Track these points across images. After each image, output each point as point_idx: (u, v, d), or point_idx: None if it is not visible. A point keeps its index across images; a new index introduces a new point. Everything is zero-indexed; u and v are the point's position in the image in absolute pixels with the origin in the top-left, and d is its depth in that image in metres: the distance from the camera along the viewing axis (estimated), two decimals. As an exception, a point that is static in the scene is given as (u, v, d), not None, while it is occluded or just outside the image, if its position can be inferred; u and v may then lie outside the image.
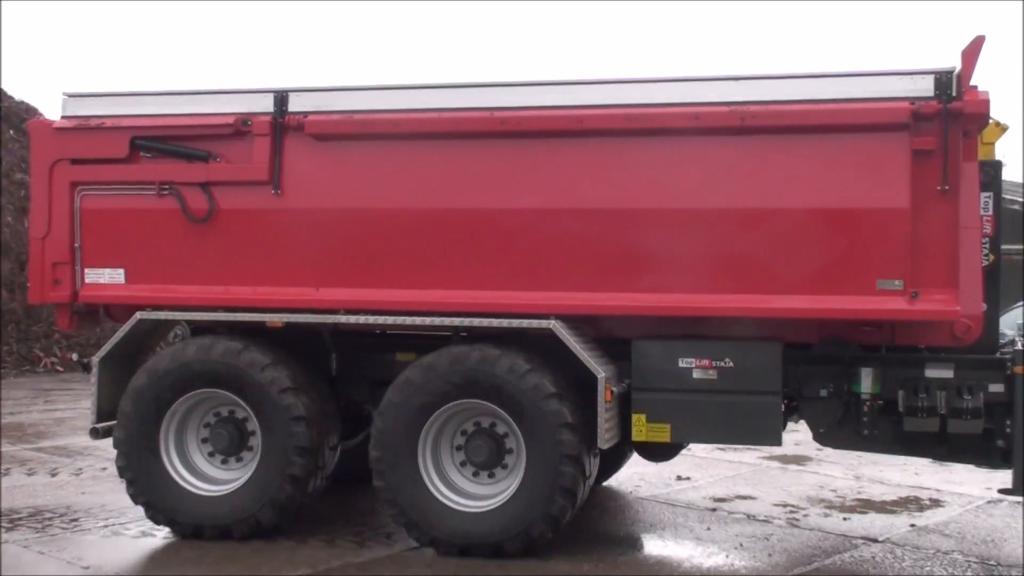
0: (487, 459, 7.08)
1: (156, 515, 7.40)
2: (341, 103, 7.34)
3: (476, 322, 7.01)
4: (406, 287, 7.21)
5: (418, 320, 7.12)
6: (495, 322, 6.98)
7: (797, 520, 8.30)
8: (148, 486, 7.38)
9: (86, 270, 7.73)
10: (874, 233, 6.56)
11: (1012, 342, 7.38)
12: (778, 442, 6.97)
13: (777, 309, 6.72)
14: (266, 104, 7.43)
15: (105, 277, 7.72)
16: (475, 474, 7.19)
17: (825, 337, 7.07)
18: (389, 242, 7.24)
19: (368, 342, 7.86)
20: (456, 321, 7.06)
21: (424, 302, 7.15)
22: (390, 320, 7.18)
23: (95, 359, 7.57)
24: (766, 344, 6.88)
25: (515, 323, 6.94)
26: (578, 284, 6.93)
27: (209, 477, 7.50)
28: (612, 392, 6.78)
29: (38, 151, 7.82)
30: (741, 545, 7.49)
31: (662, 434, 6.99)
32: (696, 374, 6.90)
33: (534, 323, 6.90)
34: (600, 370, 6.75)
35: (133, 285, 7.67)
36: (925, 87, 6.47)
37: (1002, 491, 7.13)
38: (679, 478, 9.72)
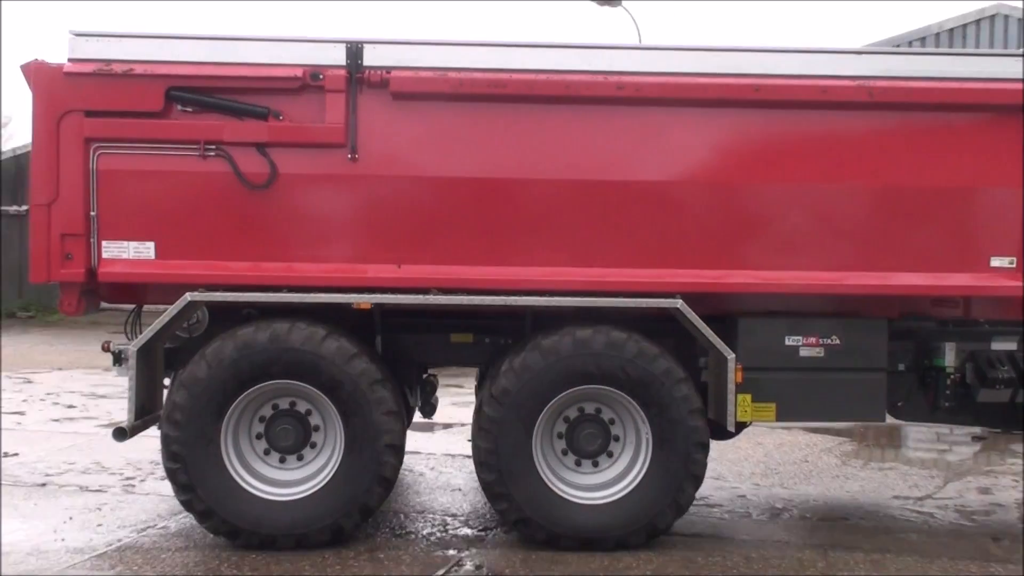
0: (597, 448, 6.67)
1: (216, 524, 6.44)
2: (427, 59, 6.53)
3: (599, 302, 6.52)
4: (501, 264, 6.59)
5: (531, 300, 6.51)
6: (617, 301, 6.52)
7: (133, 487, 8.16)
8: (208, 492, 6.39)
9: (104, 243, 6.52)
10: (989, 212, 6.68)
11: None
12: (882, 418, 6.99)
13: (897, 286, 6.72)
14: (336, 56, 6.49)
15: (130, 252, 6.53)
16: (578, 464, 6.75)
17: (905, 313, 7.15)
18: (483, 215, 6.59)
19: (417, 323, 7.14)
20: (575, 301, 6.53)
21: (525, 280, 6.56)
22: (499, 300, 6.52)
23: (133, 348, 6.41)
24: (873, 321, 6.86)
25: (641, 302, 6.52)
26: (701, 261, 6.61)
27: (267, 479, 6.59)
28: (743, 374, 6.54)
29: (42, 100, 6.45)
30: (71, 518, 7.18)
31: (768, 414, 6.81)
32: (803, 352, 6.78)
33: (659, 302, 6.51)
34: (729, 351, 6.49)
35: (166, 261, 6.54)
36: (1033, 69, 6.63)
37: None
38: (6, 455, 9.22)
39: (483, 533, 6.97)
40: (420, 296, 6.54)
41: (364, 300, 6.49)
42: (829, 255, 6.68)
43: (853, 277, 6.68)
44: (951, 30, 17.33)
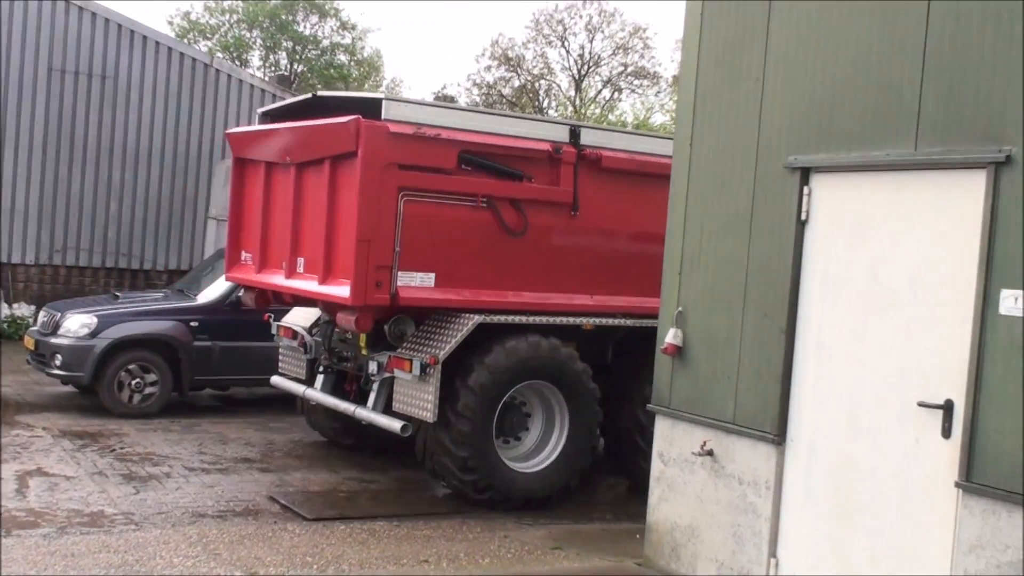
0: None
1: (495, 496, 8.24)
2: (618, 142, 8.89)
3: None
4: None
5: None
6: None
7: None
8: (489, 472, 8.17)
9: (399, 273, 7.95)
10: None
11: None
12: None
13: None
14: (562, 134, 8.59)
15: (416, 280, 8.05)
16: None
17: None
18: (644, 258, 9.03)
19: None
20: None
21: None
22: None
23: (441, 356, 7.89)
24: None
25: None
26: None
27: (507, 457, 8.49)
28: None
29: (371, 153, 7.69)
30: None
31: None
32: None
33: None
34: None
35: (441, 288, 8.17)
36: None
37: None
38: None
39: None
40: (624, 319, 8.87)
41: (590, 323, 8.68)
42: None
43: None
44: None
